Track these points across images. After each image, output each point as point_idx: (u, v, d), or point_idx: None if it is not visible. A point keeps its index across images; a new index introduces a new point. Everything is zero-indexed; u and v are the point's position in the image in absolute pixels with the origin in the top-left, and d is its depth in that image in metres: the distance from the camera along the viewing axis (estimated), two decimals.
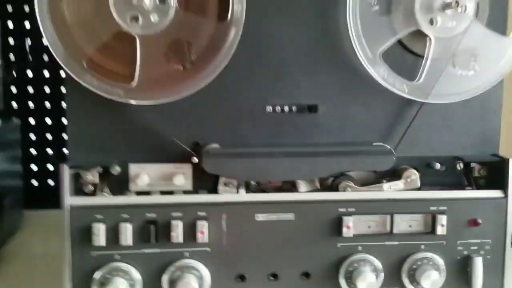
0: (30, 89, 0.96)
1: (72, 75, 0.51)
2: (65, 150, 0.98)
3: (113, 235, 0.52)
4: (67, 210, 0.52)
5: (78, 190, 0.54)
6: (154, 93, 0.52)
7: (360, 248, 0.55)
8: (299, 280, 0.55)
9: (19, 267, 0.71)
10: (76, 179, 0.54)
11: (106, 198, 0.53)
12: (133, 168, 0.55)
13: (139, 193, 0.55)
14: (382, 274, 0.55)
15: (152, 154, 0.54)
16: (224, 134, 0.55)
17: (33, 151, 0.98)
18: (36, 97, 0.96)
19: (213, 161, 0.53)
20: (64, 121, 0.97)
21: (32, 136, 0.97)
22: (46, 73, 0.96)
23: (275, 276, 0.54)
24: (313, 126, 0.56)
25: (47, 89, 0.97)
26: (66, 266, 0.52)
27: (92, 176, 0.54)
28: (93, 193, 0.54)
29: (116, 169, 0.54)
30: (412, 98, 0.55)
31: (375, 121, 0.56)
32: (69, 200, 0.52)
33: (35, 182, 0.98)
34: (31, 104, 0.97)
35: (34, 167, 0.98)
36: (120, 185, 0.55)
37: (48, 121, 0.97)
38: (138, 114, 0.54)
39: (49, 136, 0.98)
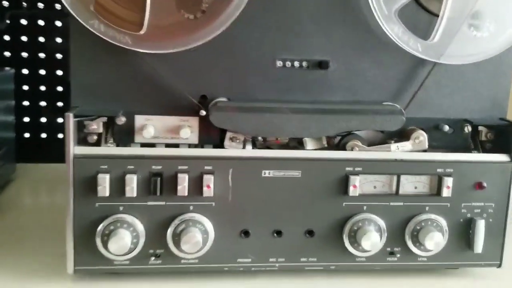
0: (24, 38, 0.94)
1: (79, 19, 0.50)
2: (59, 104, 0.97)
3: (118, 186, 0.53)
4: (71, 159, 0.52)
5: (82, 140, 0.54)
6: (163, 43, 0.52)
7: (365, 207, 0.56)
8: (303, 238, 0.56)
9: (11, 220, 0.71)
10: (80, 128, 0.54)
11: (112, 149, 0.54)
12: (139, 119, 0.55)
13: (144, 144, 0.55)
14: (386, 235, 0.56)
15: (159, 106, 0.55)
16: (232, 88, 0.55)
17: (26, 103, 0.96)
18: (30, 47, 0.94)
19: (221, 114, 0.53)
20: (59, 72, 0.96)
21: (25, 87, 0.96)
22: (41, 22, 0.94)
23: (279, 233, 0.55)
24: (323, 83, 0.56)
25: (41, 39, 0.95)
26: (69, 217, 0.53)
27: (96, 126, 0.54)
28: (96, 143, 0.54)
29: (121, 120, 0.54)
30: (425, 58, 0.55)
31: (386, 80, 0.56)
32: (74, 149, 0.52)
33: (27, 135, 0.97)
34: (24, 54, 0.95)
35: (26, 119, 0.97)
36: (124, 136, 0.55)
37: (42, 72, 0.96)
38: (146, 64, 0.53)
39: (42, 88, 0.96)
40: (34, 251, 0.61)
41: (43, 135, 0.98)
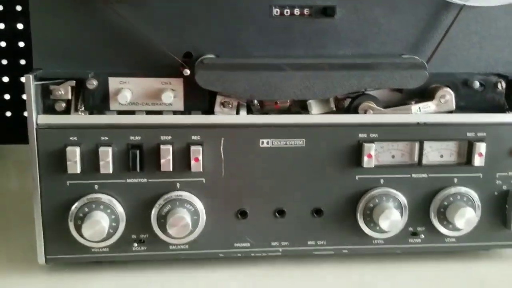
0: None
1: None
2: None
3: (91, 161, 0.48)
4: (34, 130, 0.47)
5: (49, 108, 0.49)
6: None
7: (382, 181, 0.51)
8: (309, 218, 0.51)
9: None
10: (45, 94, 0.49)
11: (82, 117, 0.49)
12: (113, 82, 0.50)
13: (121, 112, 0.51)
14: (407, 212, 0.51)
15: (136, 66, 0.50)
16: (221, 43, 0.50)
17: (5, 79, 0.91)
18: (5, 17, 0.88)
19: (209, 73, 0.48)
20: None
21: (4, 61, 0.90)
22: None
23: (281, 212, 0.51)
24: (328, 34, 0.51)
25: (18, 8, 0.89)
26: (36, 198, 0.48)
27: (63, 91, 0.49)
28: (65, 112, 0.49)
29: (92, 83, 0.49)
30: (449, 0, 0.50)
31: (404, 28, 0.51)
32: (37, 118, 0.47)
33: (8, 113, 0.92)
34: (0, 25, 0.89)
35: (7, 97, 0.91)
36: (97, 103, 0.50)
37: (21, 44, 0.90)
38: (118, 17, 0.48)
39: (22, 62, 0.91)
40: (6, 240, 0.57)
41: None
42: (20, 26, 0.89)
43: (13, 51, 0.90)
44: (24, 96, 0.89)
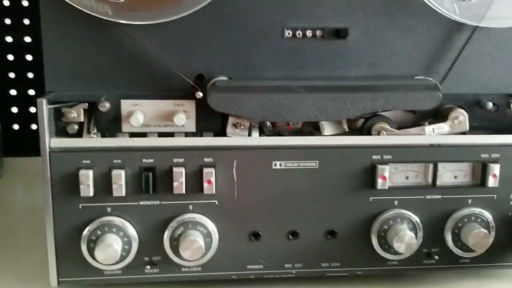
0: (8, 21, 0.89)
1: None
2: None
3: (104, 184, 0.48)
4: (47, 153, 0.47)
5: (61, 130, 0.49)
6: (148, 11, 0.47)
7: (396, 202, 0.50)
8: (323, 239, 0.51)
9: None
10: (58, 117, 0.49)
11: (94, 140, 0.49)
12: (126, 104, 0.50)
13: (133, 134, 0.50)
14: (421, 233, 0.51)
15: (148, 88, 0.50)
16: (233, 65, 0.50)
17: (13, 92, 0.91)
18: (13, 30, 0.89)
19: (221, 96, 0.48)
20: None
21: (11, 75, 0.90)
22: (25, 3, 0.88)
23: (294, 234, 0.51)
24: (341, 56, 0.50)
25: (26, 21, 0.89)
26: (48, 221, 0.48)
27: (76, 114, 0.49)
28: (78, 134, 0.50)
29: (105, 106, 0.49)
30: (463, 21, 0.50)
31: (417, 50, 0.51)
32: (50, 142, 0.47)
33: (16, 126, 0.92)
34: (8, 39, 0.89)
35: (14, 110, 0.92)
36: (110, 125, 0.50)
37: (29, 57, 0.90)
38: (131, 39, 0.48)
39: (30, 75, 0.91)
40: (16, 259, 0.57)
41: (33, 127, 0.93)
42: (28, 39, 0.89)
43: (21, 64, 0.90)
44: (31, 109, 0.91)
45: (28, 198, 0.78)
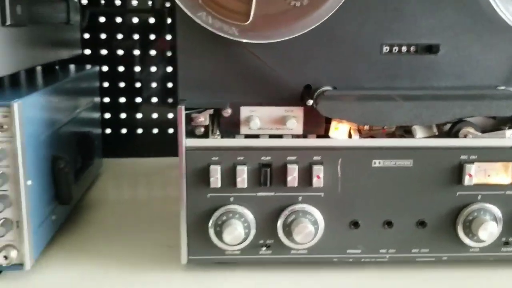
0: (103, 36, 0.98)
1: (186, 11, 0.52)
2: (137, 99, 1.01)
3: (228, 177, 0.55)
4: (184, 151, 0.54)
5: (190, 132, 0.56)
6: (268, 32, 0.53)
7: (479, 197, 0.56)
8: (414, 229, 0.57)
9: (109, 213, 0.75)
10: (187, 121, 0.56)
11: (221, 140, 0.56)
12: (244, 110, 0.57)
13: (247, 136, 0.57)
14: (501, 224, 0.56)
15: (264, 97, 0.56)
16: (337, 76, 0.56)
17: (106, 99, 1.00)
18: (109, 44, 0.98)
19: (330, 103, 0.54)
20: (137, 68, 1.00)
21: (105, 84, 0.99)
22: (118, 19, 0.98)
23: (389, 223, 0.57)
24: (432, 69, 0.56)
25: (119, 36, 0.98)
26: (182, 208, 0.55)
27: (203, 118, 0.56)
28: (204, 136, 0.56)
29: (228, 111, 0.56)
30: None
31: (498, 63, 0.56)
32: (186, 141, 0.54)
33: (108, 130, 1.01)
34: (103, 51, 0.99)
35: (107, 115, 1.01)
36: (230, 128, 0.57)
37: (121, 68, 0.99)
38: (251, 56, 0.55)
39: (121, 84, 1.00)
40: (139, 243, 0.65)
41: (123, 131, 1.02)
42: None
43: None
44: (122, 115, 0.99)
45: (129, 193, 0.86)
